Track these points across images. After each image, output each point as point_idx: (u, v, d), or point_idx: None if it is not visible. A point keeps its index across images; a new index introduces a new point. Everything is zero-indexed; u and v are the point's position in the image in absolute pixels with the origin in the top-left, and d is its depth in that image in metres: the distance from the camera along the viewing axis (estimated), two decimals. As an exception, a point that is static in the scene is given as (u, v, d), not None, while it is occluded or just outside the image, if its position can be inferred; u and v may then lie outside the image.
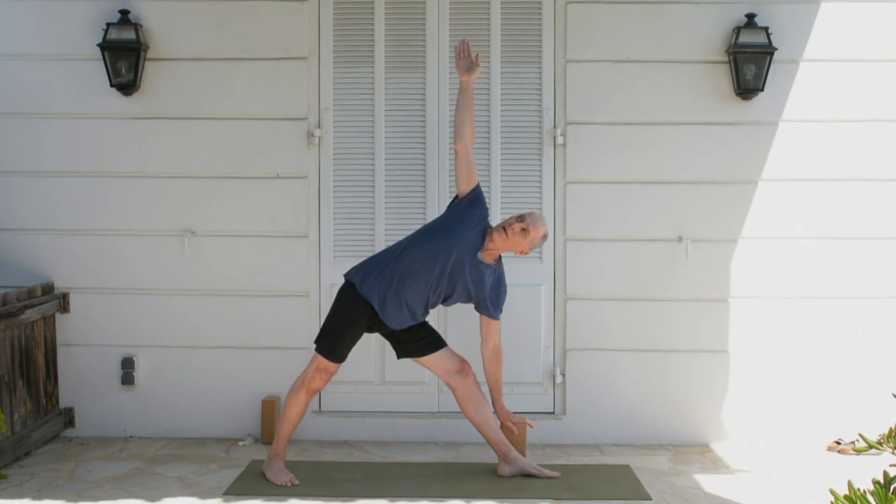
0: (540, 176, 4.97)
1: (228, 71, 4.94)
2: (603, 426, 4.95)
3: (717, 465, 4.59)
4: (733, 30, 4.81)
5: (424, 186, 4.98)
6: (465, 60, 4.38)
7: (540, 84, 4.96)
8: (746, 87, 4.79)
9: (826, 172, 4.91)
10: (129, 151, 4.97)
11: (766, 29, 4.78)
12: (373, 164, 4.99)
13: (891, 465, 3.41)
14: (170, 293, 4.99)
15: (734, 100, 4.89)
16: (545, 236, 4.26)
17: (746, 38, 4.77)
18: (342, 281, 4.32)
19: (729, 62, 4.84)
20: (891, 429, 4.71)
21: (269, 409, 4.90)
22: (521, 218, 4.17)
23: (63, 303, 4.97)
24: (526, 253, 4.24)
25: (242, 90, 4.94)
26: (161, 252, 4.98)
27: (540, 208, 4.96)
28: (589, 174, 4.93)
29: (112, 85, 4.86)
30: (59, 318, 4.98)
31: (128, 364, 4.98)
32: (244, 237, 4.98)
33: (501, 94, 4.96)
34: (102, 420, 5.01)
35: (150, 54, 4.91)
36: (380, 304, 4.17)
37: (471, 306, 4.34)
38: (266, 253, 4.98)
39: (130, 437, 5.01)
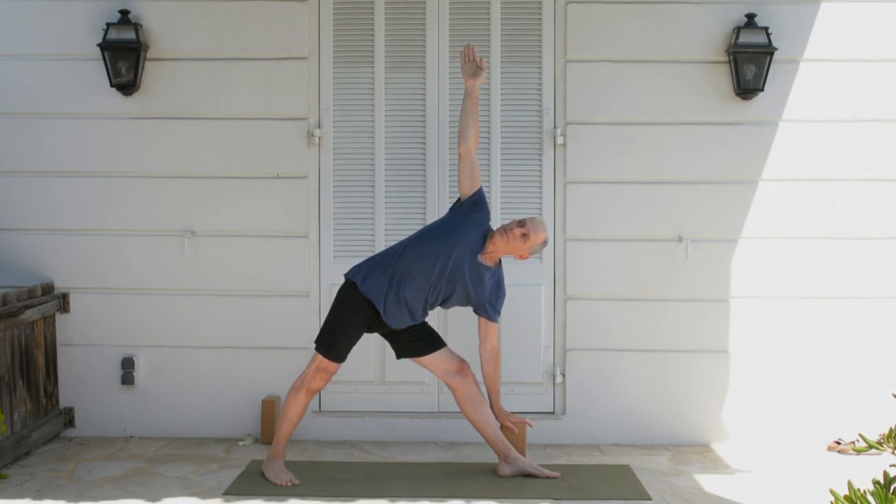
0: (540, 176, 4.97)
1: (228, 71, 4.94)
2: (603, 426, 4.95)
3: (717, 465, 4.59)
4: (733, 30, 4.81)
5: (424, 186, 4.98)
6: (471, 65, 4.39)
7: (540, 84, 4.96)
8: (746, 87, 4.79)
9: (826, 172, 4.91)
10: (129, 151, 4.97)
11: (766, 29, 4.78)
12: (373, 164, 4.99)
13: (891, 465, 3.42)
14: (170, 293, 4.99)
15: (734, 100, 4.89)
16: (545, 242, 4.26)
17: (746, 38, 4.77)
18: (342, 281, 4.33)
19: (729, 62, 4.84)
20: (891, 429, 4.74)
21: (269, 409, 4.90)
22: (521, 223, 4.18)
23: (63, 303, 4.97)
24: (525, 258, 4.26)
25: (242, 90, 4.94)
26: (161, 252, 4.98)
27: (540, 208, 4.96)
28: (589, 174, 4.93)
29: (112, 85, 4.86)
30: (59, 318, 4.98)
31: (128, 364, 4.98)
32: (244, 237, 4.98)
33: (501, 94, 4.96)
34: (102, 420, 5.01)
35: (150, 54, 4.91)
36: (381, 303, 4.17)
37: (470, 307, 4.35)
38: (266, 253, 4.98)
39: (130, 437, 5.01)
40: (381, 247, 4.86)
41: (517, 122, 4.98)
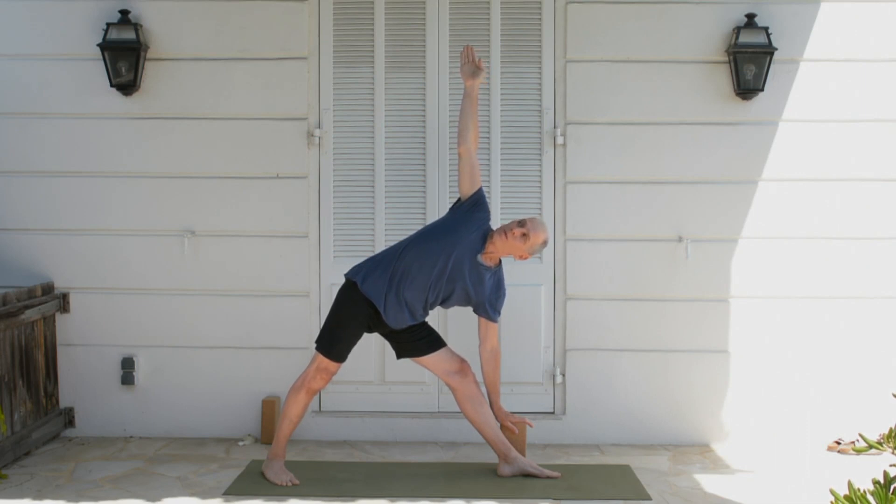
0: (540, 176, 4.97)
1: (228, 71, 4.94)
2: (603, 426, 4.95)
3: (717, 465, 4.59)
4: (733, 30, 4.81)
5: (424, 186, 4.98)
6: (470, 65, 4.39)
7: (540, 84, 4.96)
8: (746, 87, 4.79)
9: (826, 172, 4.91)
10: (129, 151, 4.97)
11: (766, 29, 4.78)
12: (373, 164, 4.99)
13: (891, 465, 3.42)
14: (170, 293, 4.99)
15: (734, 100, 4.89)
16: (545, 242, 4.26)
17: (746, 38, 4.77)
18: (342, 281, 4.33)
19: (729, 62, 4.84)
20: (891, 429, 4.74)
21: (269, 409, 4.90)
22: (521, 223, 4.18)
23: (63, 303, 4.97)
24: (525, 258, 4.25)
25: (242, 90, 4.94)
26: (161, 252, 4.98)
27: (540, 208, 4.96)
28: (589, 174, 4.93)
29: (112, 85, 4.86)
30: (59, 318, 4.98)
31: (128, 364, 4.98)
32: (244, 237, 4.98)
33: (501, 94, 4.96)
34: (102, 420, 5.01)
35: (150, 54, 4.91)
36: (381, 303, 4.17)
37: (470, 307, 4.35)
38: (266, 253, 4.98)
39: (130, 437, 5.01)
40: (381, 247, 4.86)
41: (517, 122, 4.98)
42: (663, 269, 4.93)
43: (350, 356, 4.29)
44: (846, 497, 3.19)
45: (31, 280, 4.92)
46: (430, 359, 4.34)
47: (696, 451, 4.84)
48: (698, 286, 4.93)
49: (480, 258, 4.21)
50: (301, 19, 4.94)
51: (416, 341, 4.34)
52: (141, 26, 4.87)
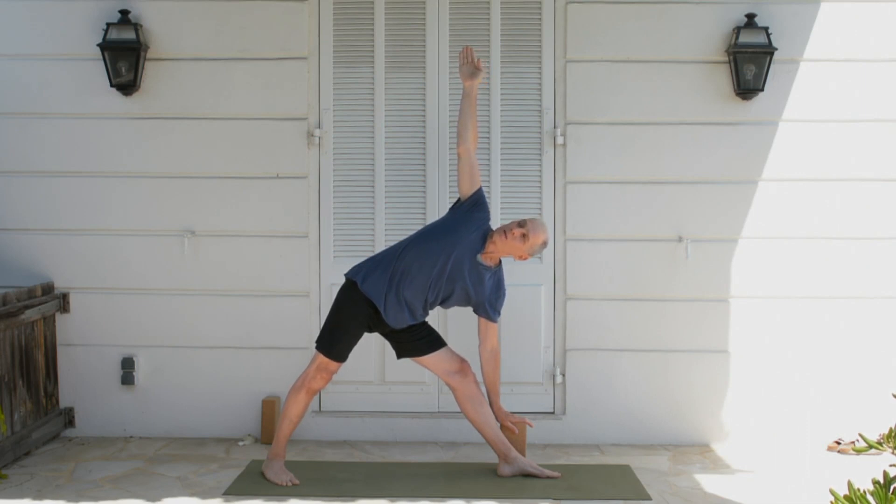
0: (540, 176, 4.98)
1: (228, 71, 4.94)
2: (603, 426, 4.95)
3: (717, 465, 4.59)
4: (733, 30, 4.81)
5: (424, 186, 4.99)
6: (469, 66, 4.39)
7: (540, 84, 4.96)
8: (746, 87, 4.79)
9: (826, 172, 4.91)
10: (129, 151, 4.97)
11: (766, 29, 4.78)
12: (373, 164, 4.99)
13: (891, 465, 3.42)
14: (170, 293, 4.99)
15: (734, 100, 4.89)
16: (545, 243, 4.26)
17: (746, 38, 4.77)
18: (342, 281, 4.33)
19: (729, 62, 4.84)
20: (891, 429, 4.74)
21: (269, 409, 4.90)
22: (521, 223, 4.18)
23: (63, 303, 4.97)
24: (524, 258, 4.26)
25: (242, 90, 4.94)
26: (161, 252, 4.98)
27: (540, 208, 4.96)
28: (589, 174, 4.94)
29: (112, 85, 4.86)
30: (59, 318, 4.98)
31: (128, 364, 4.98)
32: (244, 237, 4.98)
33: (501, 94, 4.96)
34: (102, 420, 5.01)
35: (150, 54, 4.92)
36: (381, 303, 4.17)
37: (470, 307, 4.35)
38: (266, 253, 4.98)
39: (130, 437, 5.01)
40: (381, 247, 4.87)
41: (517, 122, 4.98)
42: (663, 269, 4.93)
43: (350, 356, 4.29)
44: (846, 497, 3.19)
45: (31, 280, 4.92)
46: (430, 358, 4.35)
47: (696, 451, 4.84)
48: (698, 286, 4.93)
49: (480, 258, 4.21)
50: (301, 19, 4.94)
51: (416, 341, 4.34)
52: (141, 26, 4.88)
